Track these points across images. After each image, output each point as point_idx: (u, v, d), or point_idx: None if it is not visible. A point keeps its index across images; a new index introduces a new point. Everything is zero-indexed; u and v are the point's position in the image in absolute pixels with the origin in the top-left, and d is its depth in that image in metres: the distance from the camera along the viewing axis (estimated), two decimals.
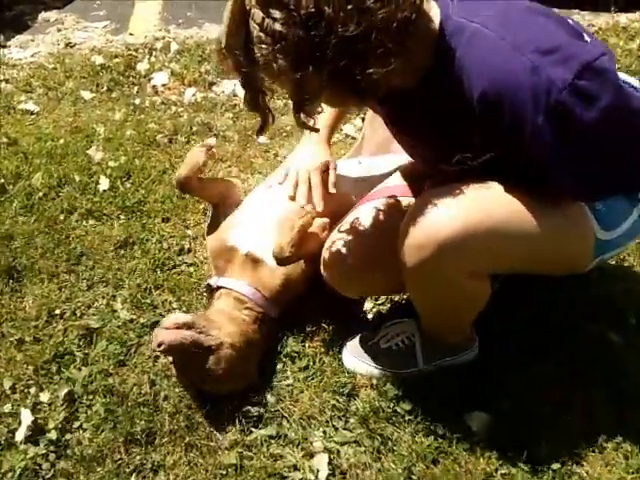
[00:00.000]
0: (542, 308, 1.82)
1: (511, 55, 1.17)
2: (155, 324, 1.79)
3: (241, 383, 1.63)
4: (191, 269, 1.97)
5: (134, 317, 1.82)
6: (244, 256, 1.74)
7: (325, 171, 1.70)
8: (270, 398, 1.64)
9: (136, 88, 2.81)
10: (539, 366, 1.69)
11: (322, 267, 1.65)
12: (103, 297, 1.88)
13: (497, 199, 1.32)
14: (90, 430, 1.56)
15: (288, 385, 1.68)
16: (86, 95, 2.73)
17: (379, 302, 1.89)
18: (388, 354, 1.70)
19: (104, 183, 2.21)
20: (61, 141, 2.42)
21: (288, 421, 1.60)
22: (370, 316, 1.87)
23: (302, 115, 1.23)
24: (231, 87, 2.80)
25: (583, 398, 1.62)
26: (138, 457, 1.52)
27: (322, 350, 1.74)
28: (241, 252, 1.75)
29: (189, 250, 2.04)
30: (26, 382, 1.65)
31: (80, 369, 1.69)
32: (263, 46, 1.12)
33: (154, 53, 3.01)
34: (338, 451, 1.55)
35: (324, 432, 1.58)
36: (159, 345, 1.47)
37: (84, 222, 2.11)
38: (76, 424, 1.58)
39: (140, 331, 1.79)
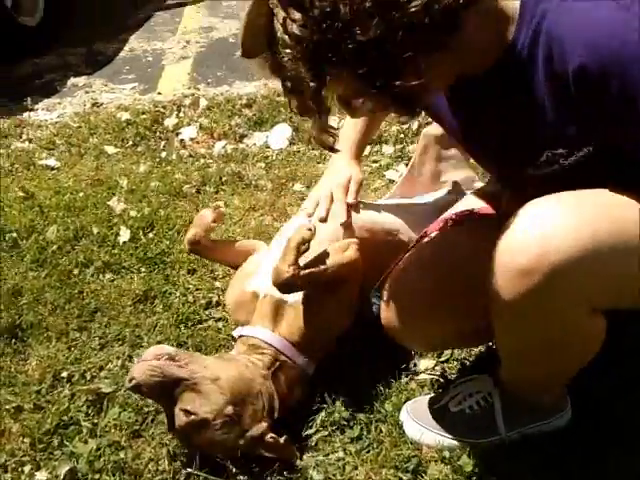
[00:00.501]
0: None
1: (617, 16, 0.94)
2: None
3: (235, 440, 1.29)
4: (219, 324, 1.71)
5: None
6: (264, 300, 1.47)
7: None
8: (316, 476, 1.32)
9: (163, 143, 2.65)
10: None
11: (382, 308, 1.37)
12: (118, 357, 1.62)
13: (621, 207, 1.02)
14: None
15: (338, 460, 1.36)
16: (110, 150, 2.58)
17: (442, 359, 1.58)
18: (461, 419, 1.38)
19: (125, 235, 2.00)
20: (80, 194, 2.24)
21: None
22: (431, 377, 1.56)
23: (321, 131, 1.07)
24: (263, 139, 2.63)
25: None
26: None
27: (377, 417, 1.43)
28: (260, 296, 1.48)
29: (217, 303, 1.78)
30: (20, 458, 1.36)
31: (86, 442, 1.40)
32: (287, 50, 0.96)
33: (182, 109, 2.88)
34: None
35: None
36: (130, 381, 1.23)
37: (100, 276, 1.88)
38: None
39: None
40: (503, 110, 1.10)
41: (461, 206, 1.46)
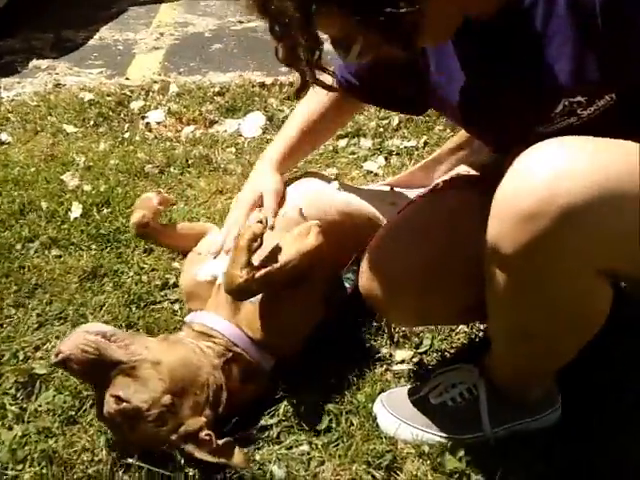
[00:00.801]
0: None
1: None
2: None
3: (167, 435, 1.11)
4: (175, 306, 1.53)
5: None
6: (220, 287, 1.28)
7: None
8: (277, 471, 1.15)
9: (127, 125, 2.47)
10: None
11: (363, 274, 1.22)
12: (57, 337, 1.43)
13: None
14: None
15: (302, 454, 1.19)
16: (69, 128, 2.39)
17: (421, 350, 1.43)
18: (442, 412, 1.23)
19: (76, 210, 1.82)
20: (32, 169, 2.05)
21: None
22: (409, 368, 1.40)
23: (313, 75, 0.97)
24: (235, 126, 2.47)
25: None
26: None
27: (348, 408, 1.27)
28: (217, 283, 1.31)
29: (175, 285, 1.60)
30: None
31: (11, 428, 1.21)
32: None
33: (151, 94, 2.71)
34: None
35: None
36: (56, 354, 1.07)
37: (45, 252, 1.69)
38: None
39: None
40: (516, 58, 0.98)
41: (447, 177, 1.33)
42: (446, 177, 1.31)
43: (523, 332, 1.03)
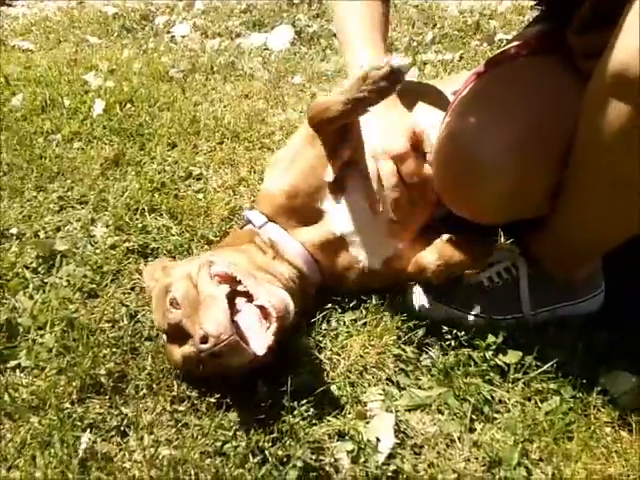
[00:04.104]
0: None
1: None
2: (145, 248, 1.29)
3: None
4: (199, 195, 1.48)
5: (116, 241, 1.31)
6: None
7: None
8: (305, 341, 1.10)
9: (152, 38, 2.41)
10: None
11: (441, 168, 1.06)
12: (78, 219, 1.39)
13: None
14: (31, 370, 1.03)
15: (330, 330, 1.13)
16: (92, 40, 2.34)
17: None
18: (478, 292, 1.16)
19: (99, 107, 1.76)
20: (54, 72, 1.99)
21: (329, 376, 1.05)
22: None
23: None
24: (262, 39, 2.39)
25: None
26: (98, 409, 0.97)
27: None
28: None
29: (199, 177, 1.55)
30: None
31: (32, 297, 1.17)
32: None
33: (176, 10, 2.63)
34: (407, 420, 0.99)
35: (384, 391, 1.03)
36: (203, 340, 0.90)
37: (67, 144, 1.65)
38: (12, 363, 1.04)
39: (122, 257, 1.28)
40: None
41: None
42: (516, 43, 1.19)
43: (618, 178, 0.90)
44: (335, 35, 2.41)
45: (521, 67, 1.11)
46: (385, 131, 1.10)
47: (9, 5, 2.75)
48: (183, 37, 2.41)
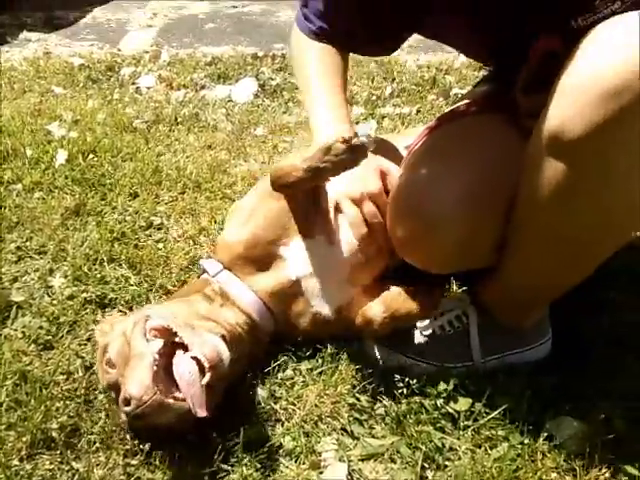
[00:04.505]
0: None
1: None
2: (103, 298, 1.30)
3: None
4: (160, 245, 1.49)
5: (74, 292, 1.32)
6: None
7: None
8: (260, 391, 1.11)
9: (117, 88, 2.45)
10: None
11: (394, 219, 1.12)
12: (36, 270, 1.39)
13: None
14: None
15: (286, 379, 1.15)
16: (57, 90, 2.36)
17: None
18: (430, 341, 1.20)
19: (61, 157, 1.78)
20: (17, 122, 2.01)
21: (284, 426, 1.06)
22: None
23: None
24: (226, 92, 2.45)
25: None
26: (48, 464, 0.96)
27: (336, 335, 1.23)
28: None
29: (159, 227, 1.57)
30: None
31: None
32: None
33: (142, 61, 2.69)
34: (360, 470, 1.01)
35: (338, 441, 1.04)
36: (126, 402, 0.93)
37: (28, 194, 1.65)
38: None
39: (80, 308, 1.28)
40: None
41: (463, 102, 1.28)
42: (465, 102, 1.26)
43: (556, 236, 0.96)
44: (297, 88, 2.49)
45: (470, 124, 1.18)
46: (356, 174, 1.11)
47: None
48: (148, 88, 2.45)
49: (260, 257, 1.18)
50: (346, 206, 1.16)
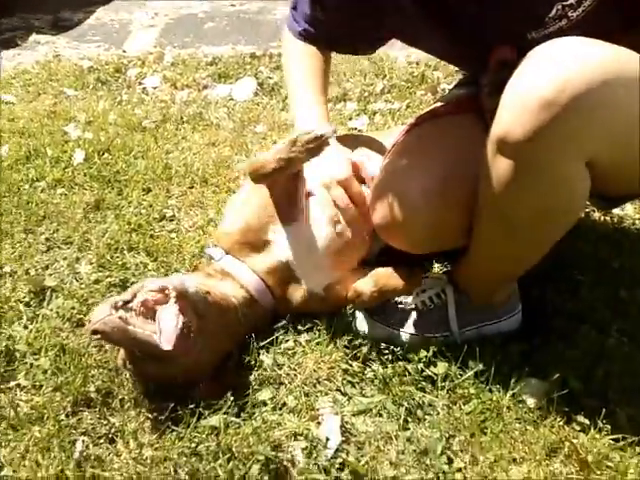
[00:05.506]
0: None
1: None
2: (125, 282, 1.47)
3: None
4: (173, 235, 1.67)
5: (100, 277, 1.49)
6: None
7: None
8: (266, 359, 1.29)
9: (125, 89, 2.61)
10: (596, 334, 1.36)
11: (376, 203, 1.28)
12: (65, 258, 1.57)
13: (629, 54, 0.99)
14: (30, 389, 1.20)
15: (288, 349, 1.33)
16: (69, 92, 2.53)
17: None
18: (414, 314, 1.37)
19: (79, 156, 1.95)
20: (36, 123, 2.18)
21: (287, 388, 1.24)
22: None
23: None
24: (227, 90, 2.61)
25: None
26: (89, 420, 1.14)
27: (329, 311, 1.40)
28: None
29: (172, 219, 1.74)
30: None
31: (26, 327, 1.34)
32: None
33: (147, 63, 2.85)
34: (353, 423, 1.18)
35: (333, 399, 1.22)
36: (88, 329, 1.12)
37: (51, 190, 1.83)
38: (12, 383, 1.21)
39: (106, 290, 1.46)
40: None
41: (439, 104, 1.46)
42: (441, 104, 1.43)
43: (510, 220, 1.12)
44: None
45: (443, 124, 1.37)
46: (328, 162, 1.31)
47: None
48: (154, 89, 2.62)
49: (254, 241, 1.37)
50: (315, 189, 1.35)
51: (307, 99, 1.42)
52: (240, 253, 1.36)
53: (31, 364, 1.25)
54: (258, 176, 1.30)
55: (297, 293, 1.37)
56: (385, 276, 1.33)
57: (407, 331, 1.36)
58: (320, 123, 1.34)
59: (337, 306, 1.38)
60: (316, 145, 1.23)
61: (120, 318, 1.09)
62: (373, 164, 1.38)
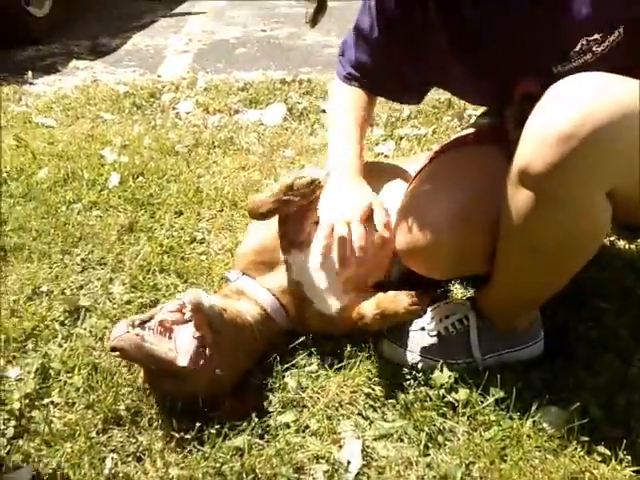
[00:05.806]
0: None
1: None
2: (156, 303, 1.52)
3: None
4: (203, 257, 1.72)
5: (132, 297, 1.55)
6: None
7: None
8: (290, 382, 1.32)
9: (159, 114, 2.70)
10: (619, 362, 1.36)
11: (400, 229, 1.30)
12: (99, 279, 1.62)
13: None
14: (63, 406, 1.25)
15: (311, 372, 1.36)
16: (106, 116, 2.62)
17: None
18: (436, 340, 1.39)
19: (114, 179, 2.02)
20: (74, 147, 2.26)
21: (310, 411, 1.27)
22: None
23: None
24: (257, 115, 2.68)
25: None
26: (119, 437, 1.19)
27: (354, 335, 1.43)
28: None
29: (202, 241, 1.80)
30: None
31: (61, 345, 1.40)
32: None
33: (180, 88, 2.94)
34: (374, 447, 1.21)
35: (355, 423, 1.24)
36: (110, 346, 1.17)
37: (87, 212, 1.90)
38: (46, 400, 1.26)
39: (137, 311, 1.51)
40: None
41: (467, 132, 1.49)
42: (467, 132, 1.46)
43: (532, 249, 1.14)
44: (323, 110, 2.72)
45: (468, 152, 1.40)
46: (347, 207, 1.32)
47: (31, 84, 3.05)
48: (187, 113, 2.70)
49: (269, 261, 1.42)
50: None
51: (347, 149, 1.43)
52: (256, 272, 1.42)
53: (65, 382, 1.30)
54: (256, 215, 1.37)
55: (309, 314, 1.41)
56: (387, 300, 1.35)
57: (430, 357, 1.38)
58: (351, 175, 1.38)
59: (351, 329, 1.40)
60: (310, 189, 1.33)
61: (137, 335, 1.15)
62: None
